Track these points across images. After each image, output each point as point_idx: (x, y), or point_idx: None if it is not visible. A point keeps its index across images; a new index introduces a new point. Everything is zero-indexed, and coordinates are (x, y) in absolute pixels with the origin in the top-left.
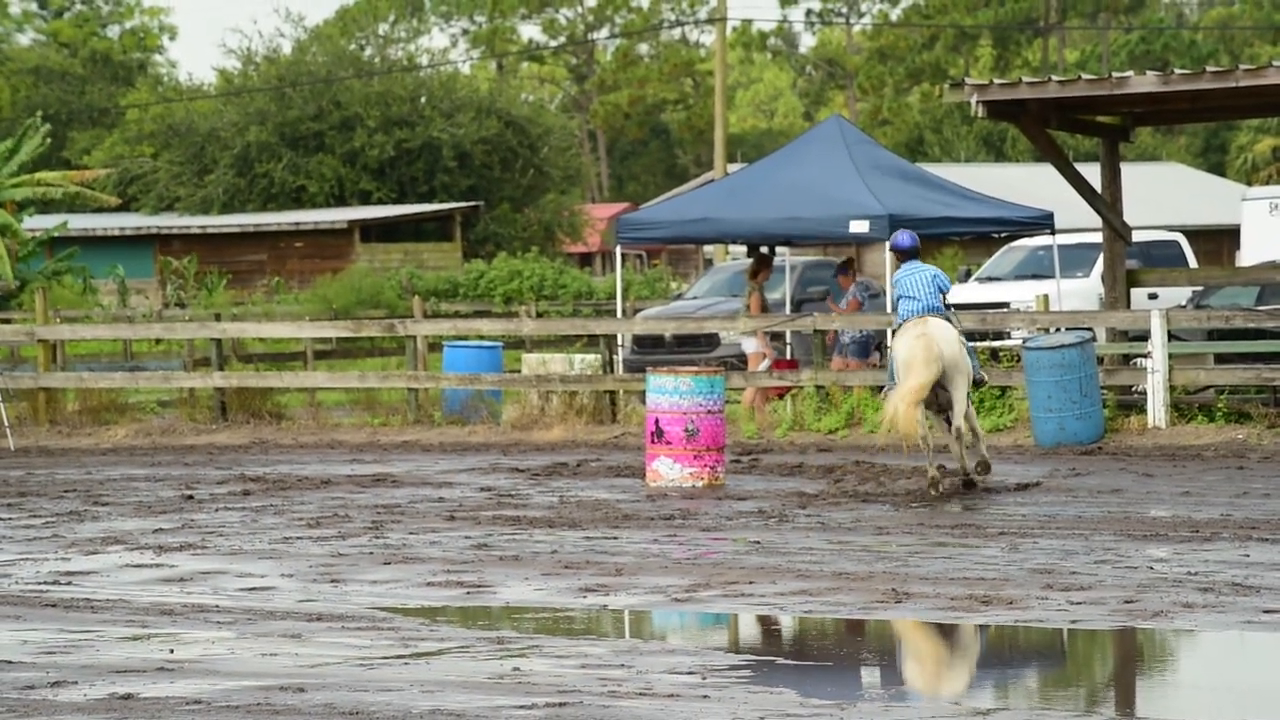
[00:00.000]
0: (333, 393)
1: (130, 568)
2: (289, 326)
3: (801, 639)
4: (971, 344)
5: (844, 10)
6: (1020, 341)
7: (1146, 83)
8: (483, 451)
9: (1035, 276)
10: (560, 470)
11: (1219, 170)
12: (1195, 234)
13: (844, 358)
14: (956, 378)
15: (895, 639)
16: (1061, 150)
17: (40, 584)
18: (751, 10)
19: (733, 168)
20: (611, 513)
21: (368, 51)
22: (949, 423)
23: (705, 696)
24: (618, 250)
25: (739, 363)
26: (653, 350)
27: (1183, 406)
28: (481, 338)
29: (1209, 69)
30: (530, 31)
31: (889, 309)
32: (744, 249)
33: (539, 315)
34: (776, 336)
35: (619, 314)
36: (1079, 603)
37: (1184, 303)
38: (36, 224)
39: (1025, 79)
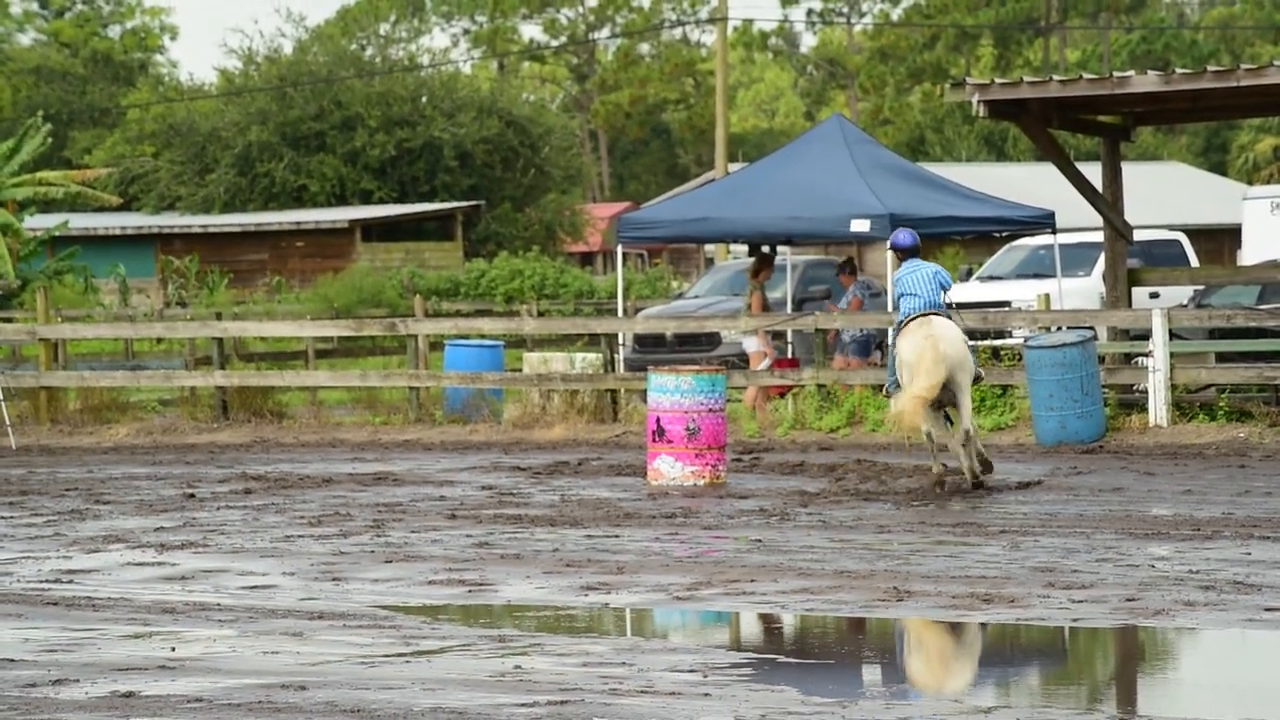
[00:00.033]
0: (334, 391)
1: (132, 566)
2: (290, 325)
3: (803, 637)
4: (973, 343)
5: (845, 10)
6: (1022, 340)
7: (1148, 82)
8: (484, 450)
9: (1037, 276)
10: (561, 469)
11: (1220, 169)
12: (1196, 233)
13: (845, 356)
14: (962, 378)
15: (896, 637)
16: (1063, 150)
17: (42, 582)
18: (753, 10)
19: (734, 167)
20: (613, 511)
21: (369, 51)
22: (948, 419)
23: (707, 694)
24: (619, 249)
25: (740, 362)
26: (654, 349)
27: (1184, 405)
28: (483, 337)
29: (1210, 69)
30: (531, 31)
31: (890, 308)
32: (745, 248)
33: (540, 314)
34: (778, 335)
35: (620, 313)
36: (1080, 601)
37: (1185, 302)
38: (38, 223)
39: (1026, 79)
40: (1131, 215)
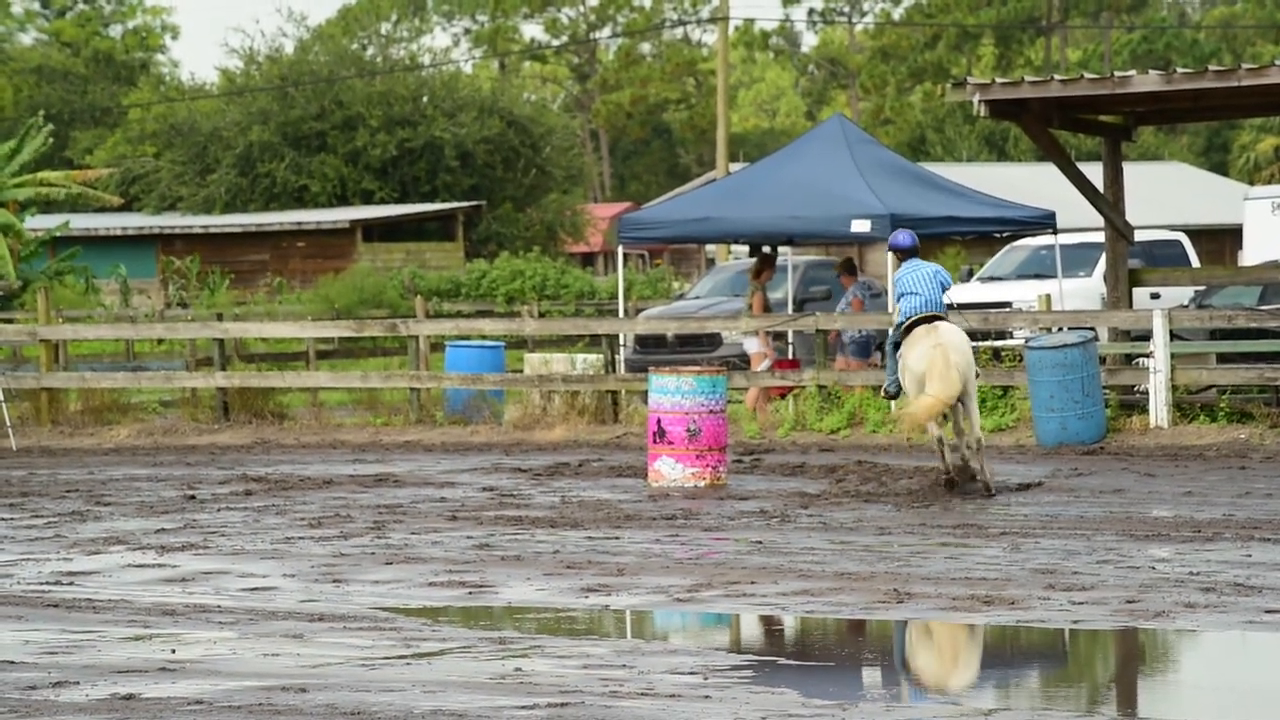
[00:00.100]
0: (335, 393)
1: (132, 568)
2: (291, 326)
3: (803, 639)
4: (974, 344)
5: (846, 9)
6: (1022, 341)
7: (1149, 82)
8: (485, 451)
9: (1037, 276)
10: (562, 470)
11: (1221, 169)
12: (1197, 233)
13: (845, 357)
14: (969, 387)
15: (897, 639)
16: (1064, 149)
17: (42, 584)
18: (754, 9)
19: (735, 167)
20: (613, 513)
21: (370, 51)
22: (945, 418)
23: (707, 697)
24: (620, 250)
25: (741, 362)
26: (655, 350)
27: (1185, 406)
28: (484, 337)
29: (1211, 68)
30: (532, 31)
31: (890, 309)
32: (746, 249)
33: (541, 315)
34: (779, 336)
35: (621, 314)
36: (1081, 603)
37: (1186, 302)
38: (39, 224)
39: (1027, 78)
40: (1132, 215)
